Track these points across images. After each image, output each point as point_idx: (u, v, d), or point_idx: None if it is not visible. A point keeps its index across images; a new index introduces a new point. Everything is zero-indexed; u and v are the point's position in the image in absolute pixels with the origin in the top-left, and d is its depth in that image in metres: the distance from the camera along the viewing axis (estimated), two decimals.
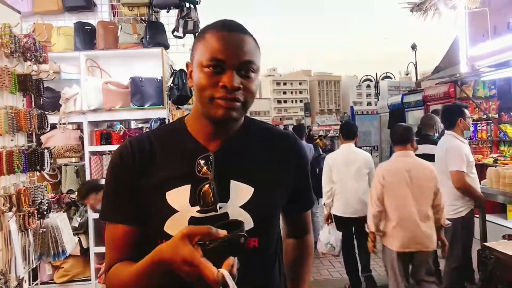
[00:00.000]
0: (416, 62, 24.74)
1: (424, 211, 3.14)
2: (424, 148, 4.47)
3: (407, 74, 25.97)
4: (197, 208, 1.00)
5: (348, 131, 4.32)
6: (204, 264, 0.77)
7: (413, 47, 25.20)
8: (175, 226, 0.98)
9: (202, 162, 1.02)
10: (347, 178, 4.13)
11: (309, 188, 1.26)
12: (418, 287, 3.33)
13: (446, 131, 3.81)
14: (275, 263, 1.14)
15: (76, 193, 4.20)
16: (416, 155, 4.63)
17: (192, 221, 1.00)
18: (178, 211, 1.00)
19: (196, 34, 5.21)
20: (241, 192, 1.03)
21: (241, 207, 1.02)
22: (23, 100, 2.43)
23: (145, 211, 1.03)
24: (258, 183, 1.05)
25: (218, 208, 1.00)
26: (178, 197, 1.01)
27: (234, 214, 1.01)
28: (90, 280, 4.58)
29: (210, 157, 1.02)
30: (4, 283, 1.77)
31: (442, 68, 11.99)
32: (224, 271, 0.76)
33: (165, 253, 0.82)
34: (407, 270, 3.33)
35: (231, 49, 0.98)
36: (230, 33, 1.00)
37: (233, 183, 1.03)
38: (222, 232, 0.80)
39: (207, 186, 0.99)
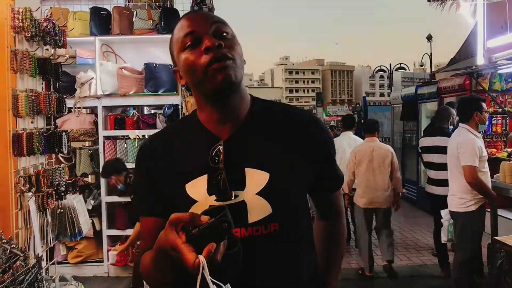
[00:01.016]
0: (431, 53, 24.38)
1: (382, 179, 4.42)
2: (438, 141, 4.45)
3: (421, 66, 25.54)
4: (215, 197, 1.02)
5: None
6: (184, 250, 0.78)
7: (429, 38, 24.80)
8: None
9: (214, 152, 1.04)
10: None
11: (333, 167, 1.19)
12: (378, 233, 4.69)
13: (460, 124, 3.76)
14: (301, 247, 1.11)
15: (101, 169, 4.30)
16: (429, 147, 4.63)
17: None
18: (197, 201, 1.03)
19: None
20: (256, 179, 1.02)
21: (257, 194, 1.01)
22: (42, 84, 2.48)
23: (169, 203, 1.07)
24: (273, 168, 1.03)
25: (233, 196, 1.01)
26: (197, 187, 1.04)
27: (251, 201, 1.01)
28: (102, 261, 4.70)
29: (220, 147, 1.04)
30: (24, 260, 1.83)
31: (457, 60, 11.79)
32: (201, 257, 0.76)
33: (160, 239, 0.85)
34: (369, 224, 4.60)
35: (198, 19, 1.02)
36: (195, 12, 1.11)
37: (248, 170, 1.03)
38: (205, 218, 0.80)
39: (220, 175, 1.02)
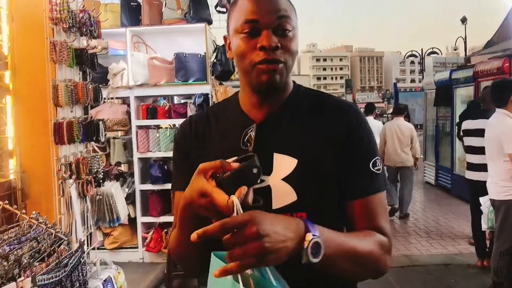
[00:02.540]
0: (465, 36, 23.44)
1: (403, 146, 6.39)
2: (481, 123, 4.25)
3: (455, 50, 24.58)
4: None
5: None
6: (216, 193, 0.79)
7: (463, 20, 23.81)
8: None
9: (246, 134, 1.04)
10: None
11: (367, 167, 1.04)
12: (401, 188, 6.66)
13: (497, 109, 3.61)
14: None
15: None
16: (471, 130, 4.47)
17: None
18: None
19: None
20: (284, 164, 1.01)
21: (283, 179, 0.99)
22: (79, 74, 2.55)
23: None
24: (302, 154, 1.01)
25: (259, 180, 0.97)
26: None
27: (276, 187, 1.00)
28: (137, 247, 4.83)
29: (252, 129, 1.03)
30: (67, 245, 1.91)
31: (495, 42, 11.31)
32: (234, 197, 0.77)
33: (186, 193, 0.86)
34: (394, 177, 6.72)
35: (264, 7, 0.96)
36: None
37: (277, 156, 1.02)
38: (234, 165, 0.82)
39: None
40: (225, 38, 1.10)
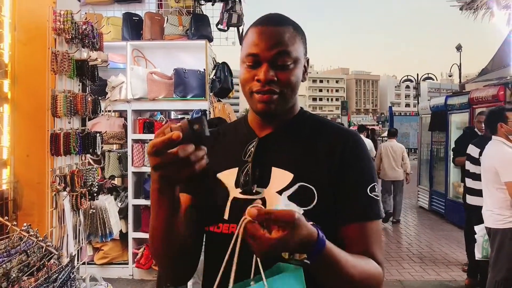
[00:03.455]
0: (460, 63, 23.83)
1: (396, 163, 7.77)
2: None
3: (450, 76, 24.98)
4: (240, 189, 1.07)
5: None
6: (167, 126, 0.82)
7: (458, 48, 24.27)
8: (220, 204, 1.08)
9: (249, 147, 1.10)
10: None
11: (365, 192, 1.04)
12: (394, 197, 7.94)
13: (493, 137, 3.63)
14: None
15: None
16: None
17: (234, 201, 1.07)
18: (227, 192, 1.08)
19: (240, 27, 5.31)
20: (280, 177, 1.04)
21: (278, 192, 1.03)
22: (79, 85, 2.53)
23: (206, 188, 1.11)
24: (298, 170, 1.04)
25: (255, 190, 1.05)
26: (227, 178, 1.09)
27: (271, 199, 1.02)
28: (127, 263, 4.73)
29: (254, 142, 1.10)
30: (57, 259, 1.85)
31: (489, 70, 11.48)
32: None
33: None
34: (390, 190, 7.89)
35: (264, 42, 1.03)
36: (266, 27, 1.05)
37: (275, 169, 1.06)
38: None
39: (246, 169, 1.07)
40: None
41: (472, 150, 4.53)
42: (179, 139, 0.78)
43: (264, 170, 1.06)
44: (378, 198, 1.06)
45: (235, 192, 1.07)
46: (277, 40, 1.03)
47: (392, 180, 7.82)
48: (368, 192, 1.04)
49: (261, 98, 1.04)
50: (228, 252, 0.84)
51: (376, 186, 1.06)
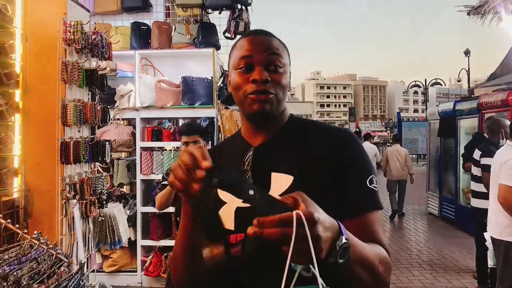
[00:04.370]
0: (469, 68, 23.70)
1: (401, 165, 8.85)
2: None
3: (458, 81, 24.85)
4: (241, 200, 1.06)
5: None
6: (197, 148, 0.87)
7: (466, 52, 24.14)
8: (224, 216, 1.10)
9: (245, 157, 1.13)
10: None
11: (365, 184, 1.09)
12: (399, 195, 9.13)
13: (507, 141, 3.59)
14: None
15: (185, 126, 3.64)
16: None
17: (238, 211, 1.08)
18: (226, 203, 1.10)
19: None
20: (280, 181, 1.06)
21: (280, 195, 0.98)
22: (88, 94, 2.56)
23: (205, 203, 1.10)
24: (298, 171, 1.06)
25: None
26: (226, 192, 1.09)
27: None
28: (136, 271, 4.74)
29: (250, 151, 1.13)
30: (67, 266, 1.87)
31: (498, 75, 11.39)
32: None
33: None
34: (394, 189, 9.05)
35: (257, 46, 1.10)
36: (257, 36, 1.14)
37: (274, 174, 1.08)
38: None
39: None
40: (227, 75, 1.23)
41: (477, 153, 4.51)
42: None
43: (264, 176, 1.08)
44: (377, 189, 1.11)
45: (236, 203, 1.06)
46: (268, 45, 1.11)
47: (397, 179, 9.03)
48: (368, 184, 1.09)
49: (258, 97, 1.07)
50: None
51: (374, 178, 1.11)
